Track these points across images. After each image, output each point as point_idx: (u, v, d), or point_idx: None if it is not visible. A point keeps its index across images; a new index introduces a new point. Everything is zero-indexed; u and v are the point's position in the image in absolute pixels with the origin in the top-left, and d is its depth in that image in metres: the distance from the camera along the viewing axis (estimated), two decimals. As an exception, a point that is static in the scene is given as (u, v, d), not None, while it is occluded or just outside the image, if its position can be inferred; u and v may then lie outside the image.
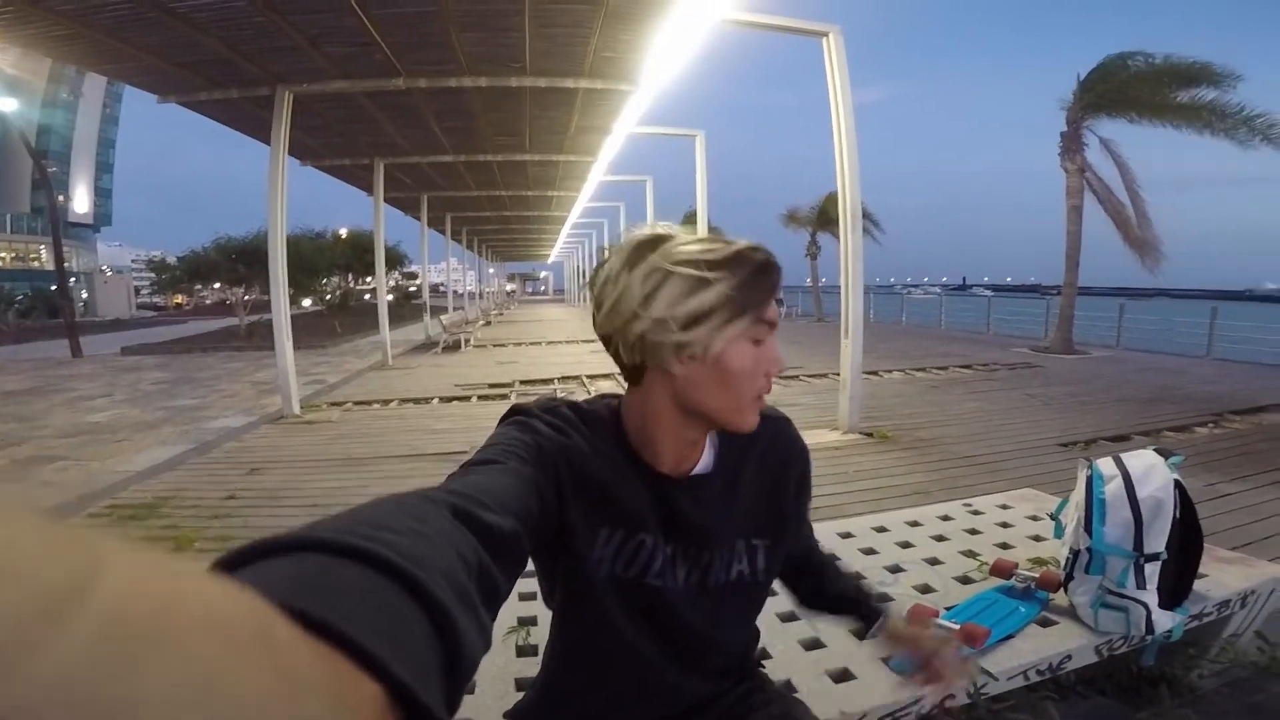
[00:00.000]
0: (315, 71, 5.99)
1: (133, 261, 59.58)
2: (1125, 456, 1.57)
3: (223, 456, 4.81)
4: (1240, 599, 1.62)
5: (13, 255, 41.55)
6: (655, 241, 0.69)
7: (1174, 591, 1.49)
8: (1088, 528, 1.51)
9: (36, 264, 41.41)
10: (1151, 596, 1.44)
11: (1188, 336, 11.47)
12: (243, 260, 16.01)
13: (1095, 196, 10.81)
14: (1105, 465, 1.55)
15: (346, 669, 0.24)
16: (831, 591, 0.98)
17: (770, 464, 0.82)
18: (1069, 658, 1.39)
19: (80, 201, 47.02)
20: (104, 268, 48.62)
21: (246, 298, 16.80)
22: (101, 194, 49.58)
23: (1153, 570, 1.45)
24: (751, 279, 0.68)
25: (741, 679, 0.89)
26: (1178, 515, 1.49)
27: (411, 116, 7.85)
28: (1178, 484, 1.50)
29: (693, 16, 4.76)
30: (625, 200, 16.69)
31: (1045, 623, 1.50)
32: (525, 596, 1.69)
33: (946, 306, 17.00)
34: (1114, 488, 1.50)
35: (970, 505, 2.34)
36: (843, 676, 1.32)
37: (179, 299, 43.05)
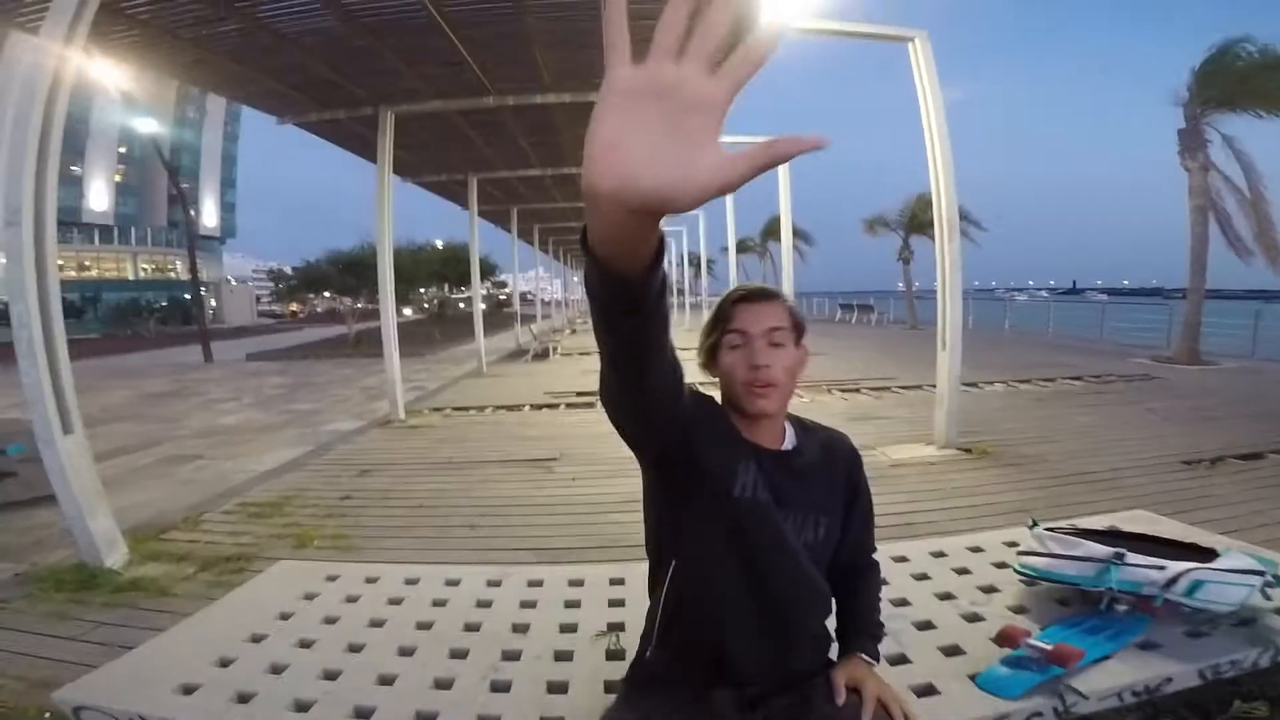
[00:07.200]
0: (413, 92, 6.36)
1: (253, 272, 64.65)
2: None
3: (337, 458, 5.12)
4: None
5: (153, 267, 45.54)
6: None
7: None
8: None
9: (173, 274, 45.28)
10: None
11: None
12: (350, 272, 17.30)
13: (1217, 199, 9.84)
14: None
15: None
16: (850, 606, 1.10)
17: (827, 456, 1.05)
18: (1169, 680, 1.34)
19: (208, 215, 51.28)
20: (229, 278, 52.93)
21: (356, 306, 18.12)
22: (226, 208, 53.90)
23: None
24: (717, 307, 1.03)
25: (815, 673, 0.99)
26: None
27: (501, 133, 8.26)
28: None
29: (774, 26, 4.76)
30: (704, 209, 16.69)
31: (1148, 645, 1.45)
32: (614, 603, 1.78)
33: (1055, 312, 15.88)
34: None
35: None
36: (927, 691, 1.33)
37: (294, 307, 46.79)
